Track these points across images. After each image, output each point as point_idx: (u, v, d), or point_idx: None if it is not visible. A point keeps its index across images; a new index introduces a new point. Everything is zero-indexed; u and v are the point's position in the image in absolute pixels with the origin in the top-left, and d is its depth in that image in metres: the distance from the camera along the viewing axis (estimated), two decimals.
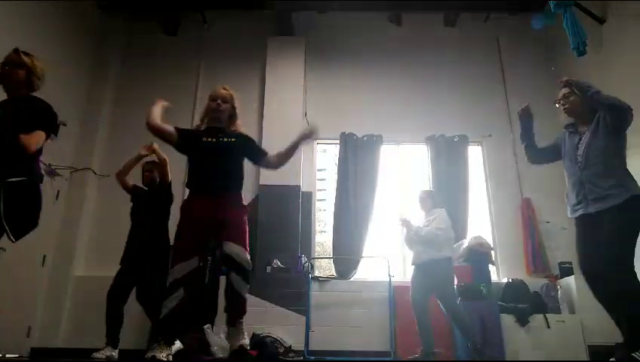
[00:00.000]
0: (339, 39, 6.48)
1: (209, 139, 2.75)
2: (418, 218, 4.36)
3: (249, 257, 2.60)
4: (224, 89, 2.92)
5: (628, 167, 2.65)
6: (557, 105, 2.97)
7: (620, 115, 2.59)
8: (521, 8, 6.14)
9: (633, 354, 2.39)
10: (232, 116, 2.93)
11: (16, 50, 2.63)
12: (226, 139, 2.78)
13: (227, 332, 2.65)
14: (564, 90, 2.92)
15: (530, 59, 6.29)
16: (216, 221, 2.58)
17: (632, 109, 2.59)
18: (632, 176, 2.60)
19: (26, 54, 2.64)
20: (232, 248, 2.54)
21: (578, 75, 5.55)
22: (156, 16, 6.46)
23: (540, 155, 3.15)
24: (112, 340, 3.61)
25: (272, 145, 5.66)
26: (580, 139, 2.80)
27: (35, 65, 2.65)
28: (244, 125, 6.22)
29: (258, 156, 2.96)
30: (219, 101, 2.84)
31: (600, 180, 2.60)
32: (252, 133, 5.83)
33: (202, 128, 2.88)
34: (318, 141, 6.09)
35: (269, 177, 5.53)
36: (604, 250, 2.50)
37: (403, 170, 6.01)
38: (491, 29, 6.47)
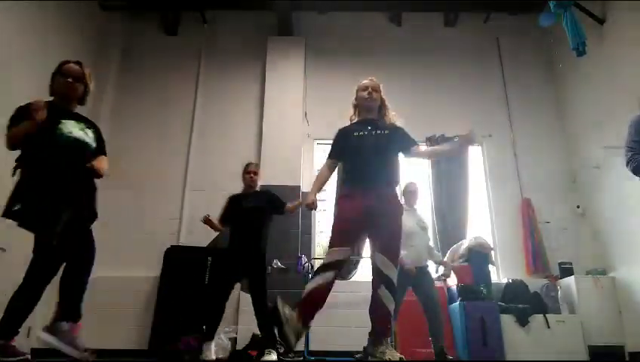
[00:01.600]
0: (339, 39, 6.47)
1: (360, 133, 2.71)
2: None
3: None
4: (371, 80, 2.87)
5: None
6: None
7: None
8: (521, 8, 6.15)
9: None
10: (383, 107, 2.87)
11: (79, 63, 2.67)
12: (378, 132, 2.72)
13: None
14: None
15: (530, 59, 6.30)
16: (370, 219, 2.54)
17: None
18: None
19: (84, 66, 2.70)
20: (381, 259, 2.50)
21: (577, 76, 5.60)
22: (156, 16, 6.46)
23: None
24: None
25: (272, 144, 5.73)
26: None
27: (91, 80, 2.72)
28: (244, 125, 6.26)
29: (408, 147, 2.81)
30: (369, 90, 2.76)
31: None
32: (251, 133, 5.93)
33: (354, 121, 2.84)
34: (318, 141, 6.09)
35: (269, 177, 5.52)
36: None
37: (403, 170, 6.00)
38: (491, 29, 6.47)
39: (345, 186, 2.73)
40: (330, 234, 2.62)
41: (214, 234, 5.21)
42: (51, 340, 2.31)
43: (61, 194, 2.38)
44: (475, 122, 5.99)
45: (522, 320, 4.49)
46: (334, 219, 2.69)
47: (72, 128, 2.51)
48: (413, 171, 5.99)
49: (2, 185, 2.47)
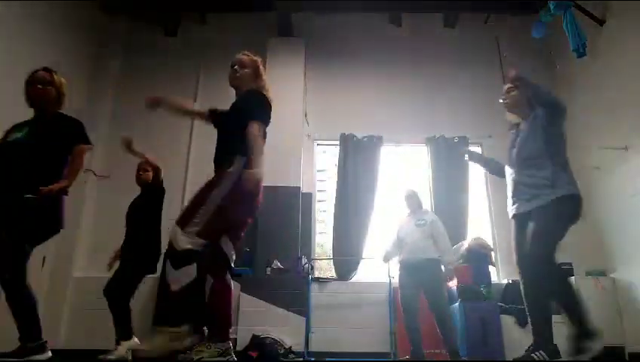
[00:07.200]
0: (339, 39, 6.47)
1: None
2: (403, 215, 4.45)
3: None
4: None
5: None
6: (500, 101, 2.91)
7: (553, 113, 2.56)
8: (521, 8, 6.14)
9: (532, 355, 2.51)
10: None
11: (46, 69, 2.70)
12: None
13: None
14: (507, 86, 2.89)
15: (530, 59, 6.29)
16: None
17: (566, 110, 2.56)
18: (565, 176, 2.53)
19: (54, 72, 2.72)
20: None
21: (578, 77, 5.60)
22: (156, 17, 6.46)
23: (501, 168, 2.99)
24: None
25: (272, 145, 5.70)
26: (517, 137, 2.74)
27: (62, 82, 2.74)
28: None
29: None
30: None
31: (531, 180, 2.57)
32: None
33: None
34: (319, 142, 6.10)
35: (269, 178, 5.50)
36: (530, 251, 2.55)
37: (403, 171, 6.01)
38: (491, 29, 6.47)
39: None
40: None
41: None
42: None
43: None
44: (475, 123, 6.00)
45: (522, 321, 4.48)
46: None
47: (13, 134, 2.55)
48: (413, 172, 6.02)
49: None
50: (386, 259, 4.43)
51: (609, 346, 4.51)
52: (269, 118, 2.53)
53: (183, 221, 2.10)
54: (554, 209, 2.47)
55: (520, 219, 2.65)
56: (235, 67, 2.53)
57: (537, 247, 2.53)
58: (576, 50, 4.71)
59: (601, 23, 5.09)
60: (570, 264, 5.03)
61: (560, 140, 2.60)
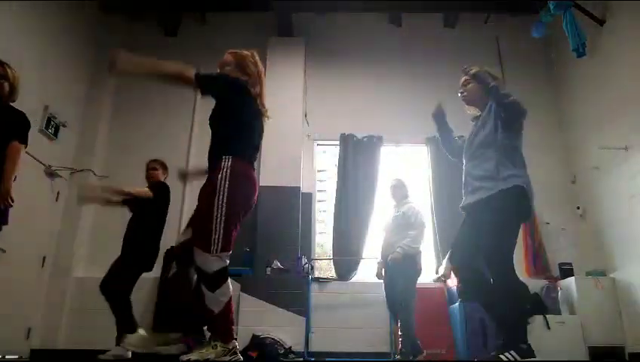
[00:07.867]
0: (339, 39, 6.47)
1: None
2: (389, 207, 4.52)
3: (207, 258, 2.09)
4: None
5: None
6: (458, 95, 2.81)
7: (513, 117, 2.48)
8: (521, 9, 6.14)
9: (501, 356, 2.23)
10: None
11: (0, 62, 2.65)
12: None
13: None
14: (464, 78, 2.78)
15: (530, 59, 6.29)
16: None
17: (526, 113, 2.48)
18: (511, 168, 2.44)
19: (7, 65, 2.67)
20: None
21: (577, 76, 5.59)
22: (156, 17, 6.46)
23: (458, 151, 2.90)
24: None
25: (272, 146, 5.72)
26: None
27: (15, 76, 2.68)
28: None
29: None
30: None
31: (475, 172, 2.48)
32: None
33: None
34: (319, 142, 6.10)
35: (269, 178, 5.53)
36: (475, 246, 2.35)
37: (403, 171, 5.99)
38: (491, 29, 6.46)
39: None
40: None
41: None
42: None
43: None
44: None
45: None
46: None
47: None
48: (413, 172, 6.01)
49: None
50: (379, 274, 4.38)
51: (609, 346, 4.52)
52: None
53: (203, 244, 2.10)
54: (494, 203, 2.32)
55: (465, 212, 2.54)
56: (219, 70, 2.57)
57: (485, 241, 2.30)
58: (576, 50, 4.71)
59: (601, 22, 5.09)
60: (570, 264, 5.04)
61: (515, 136, 2.54)
